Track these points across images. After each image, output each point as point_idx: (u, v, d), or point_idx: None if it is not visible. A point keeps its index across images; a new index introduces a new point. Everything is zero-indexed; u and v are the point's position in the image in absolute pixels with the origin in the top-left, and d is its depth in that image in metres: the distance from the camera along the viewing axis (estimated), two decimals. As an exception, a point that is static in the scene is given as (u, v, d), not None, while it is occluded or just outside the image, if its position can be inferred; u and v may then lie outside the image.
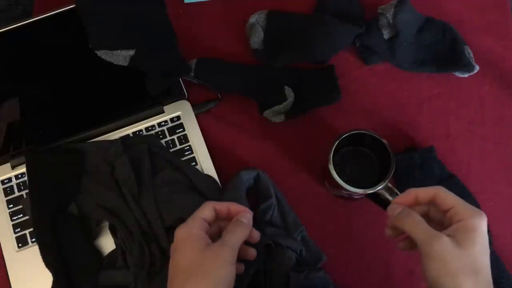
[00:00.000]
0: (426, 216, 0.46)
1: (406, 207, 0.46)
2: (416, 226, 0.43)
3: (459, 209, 0.42)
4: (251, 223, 0.48)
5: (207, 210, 0.47)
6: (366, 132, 0.57)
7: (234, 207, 0.49)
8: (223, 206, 0.49)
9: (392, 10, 0.67)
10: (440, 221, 0.45)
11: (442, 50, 0.70)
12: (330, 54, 0.70)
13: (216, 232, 0.49)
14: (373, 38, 0.69)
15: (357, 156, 0.61)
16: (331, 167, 0.56)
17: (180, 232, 0.46)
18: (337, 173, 0.56)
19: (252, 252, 0.51)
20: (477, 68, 0.68)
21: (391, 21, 0.68)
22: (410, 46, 0.69)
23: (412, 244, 0.48)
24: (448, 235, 0.41)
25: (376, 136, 0.57)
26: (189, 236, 0.45)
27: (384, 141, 0.56)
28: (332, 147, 0.57)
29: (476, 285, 0.40)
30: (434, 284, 0.41)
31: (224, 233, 0.46)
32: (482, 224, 0.41)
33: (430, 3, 0.73)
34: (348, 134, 0.57)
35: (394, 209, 0.46)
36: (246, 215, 0.48)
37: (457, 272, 0.39)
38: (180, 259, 0.44)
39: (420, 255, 0.43)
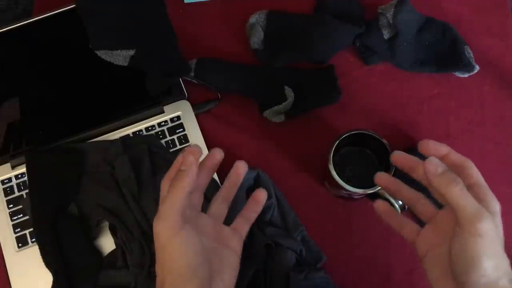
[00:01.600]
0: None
1: (447, 167, 0.39)
2: (465, 198, 0.37)
3: (485, 191, 0.40)
4: (192, 160, 0.39)
5: (181, 201, 0.39)
6: (366, 132, 0.57)
7: (177, 163, 0.42)
8: (172, 170, 0.42)
9: (392, 10, 0.67)
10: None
11: (442, 50, 0.70)
12: (330, 54, 0.70)
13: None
14: (373, 38, 0.69)
15: (357, 156, 0.61)
16: (331, 167, 0.56)
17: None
18: (337, 173, 0.56)
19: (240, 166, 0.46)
20: (477, 68, 0.68)
21: (391, 21, 0.68)
22: (410, 46, 0.69)
23: (413, 234, 0.45)
24: None
25: (376, 136, 0.57)
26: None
27: (384, 141, 0.56)
28: (332, 147, 0.57)
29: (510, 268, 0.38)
30: (470, 262, 0.37)
31: None
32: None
33: (430, 3, 0.73)
34: (348, 134, 0.57)
35: (435, 165, 0.39)
36: (185, 159, 0.40)
37: (502, 252, 0.38)
38: None
39: (452, 230, 0.39)
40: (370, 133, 0.57)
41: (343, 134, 0.57)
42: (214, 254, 0.42)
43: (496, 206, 0.39)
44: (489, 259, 0.36)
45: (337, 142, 0.57)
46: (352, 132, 0.57)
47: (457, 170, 0.41)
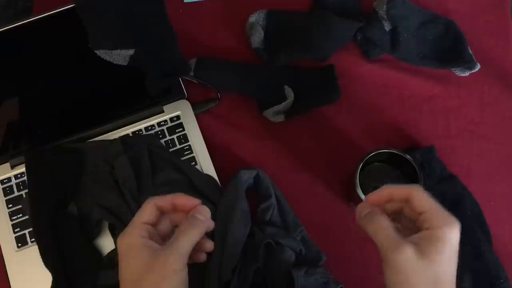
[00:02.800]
0: (399, 214, 0.44)
1: (375, 208, 0.42)
2: (380, 232, 0.40)
3: (431, 216, 0.39)
4: (207, 217, 0.44)
5: (147, 212, 0.43)
6: (388, 151, 0.56)
7: (179, 200, 0.45)
8: (166, 202, 0.44)
9: (385, 6, 0.67)
10: (413, 219, 0.42)
11: (445, 45, 0.69)
12: (331, 51, 0.70)
13: (166, 229, 0.46)
14: (374, 29, 0.69)
15: (382, 173, 0.61)
16: (359, 191, 0.55)
17: (121, 244, 0.42)
18: (362, 192, 0.55)
19: (209, 245, 0.47)
20: (478, 65, 0.67)
21: (385, 17, 0.67)
22: (412, 40, 0.69)
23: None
24: (415, 243, 0.39)
25: (399, 153, 0.56)
26: (130, 247, 0.42)
27: (408, 157, 0.55)
28: (357, 169, 0.56)
29: None
30: None
31: (176, 233, 0.42)
32: (451, 234, 0.38)
33: (431, 3, 0.73)
34: (373, 153, 0.56)
35: (362, 209, 0.43)
36: (202, 211, 0.44)
37: (418, 286, 0.38)
38: (126, 272, 0.42)
39: (381, 262, 0.41)
40: (392, 151, 0.56)
41: (367, 155, 0.56)
42: None
43: (437, 231, 0.39)
44: None
45: (362, 163, 0.56)
46: (375, 152, 0.56)
47: (407, 202, 0.42)
